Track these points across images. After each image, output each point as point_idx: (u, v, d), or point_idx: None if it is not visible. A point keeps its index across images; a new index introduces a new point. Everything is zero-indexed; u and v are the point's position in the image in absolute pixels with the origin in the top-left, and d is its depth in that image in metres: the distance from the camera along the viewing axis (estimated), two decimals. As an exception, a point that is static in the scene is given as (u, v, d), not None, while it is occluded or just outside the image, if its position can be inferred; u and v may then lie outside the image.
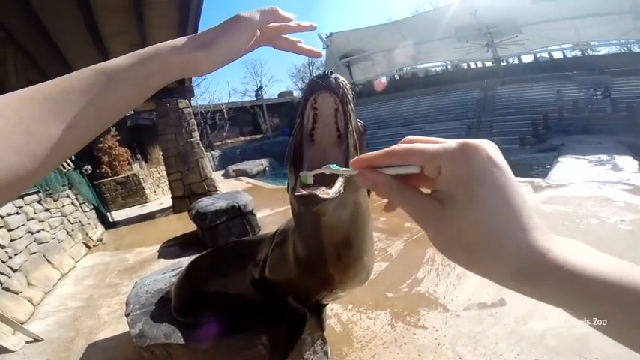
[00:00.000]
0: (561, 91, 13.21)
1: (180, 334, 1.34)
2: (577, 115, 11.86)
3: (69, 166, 5.91)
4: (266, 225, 4.33)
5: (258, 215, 4.43)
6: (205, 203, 4.27)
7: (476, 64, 22.84)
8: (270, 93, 33.42)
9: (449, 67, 24.74)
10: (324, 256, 0.86)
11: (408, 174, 0.29)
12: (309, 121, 0.67)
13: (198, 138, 7.45)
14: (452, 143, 0.27)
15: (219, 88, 29.59)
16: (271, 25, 0.48)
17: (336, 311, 2.21)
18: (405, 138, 0.32)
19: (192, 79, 8.25)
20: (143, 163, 11.24)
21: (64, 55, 4.94)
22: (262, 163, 15.33)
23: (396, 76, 26.00)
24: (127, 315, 1.59)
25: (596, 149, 7.27)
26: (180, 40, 0.40)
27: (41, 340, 2.51)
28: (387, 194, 0.30)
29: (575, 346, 1.59)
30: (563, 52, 20.87)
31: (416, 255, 2.83)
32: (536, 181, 4.34)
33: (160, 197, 9.86)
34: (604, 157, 6.42)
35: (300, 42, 0.54)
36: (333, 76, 0.64)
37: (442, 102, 17.38)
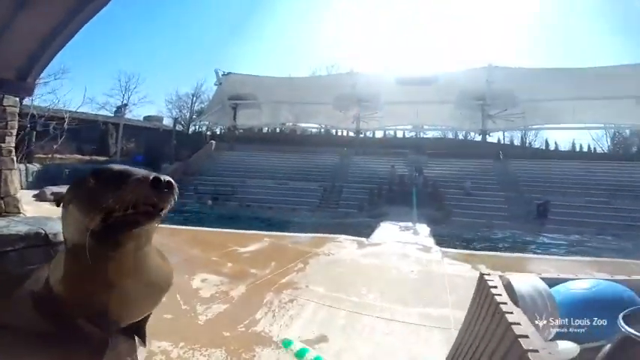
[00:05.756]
0: (395, 166, 17.07)
1: None
2: (401, 188, 15.43)
3: None
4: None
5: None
6: (-5, 226, 3.18)
7: (341, 132, 26.75)
8: (136, 113, 28.72)
9: (322, 130, 28.13)
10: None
11: None
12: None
13: (13, 144, 5.79)
14: None
15: (73, 92, 23.81)
16: None
17: (164, 348, 2.01)
18: None
19: (41, 75, 6.66)
20: None
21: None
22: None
23: (277, 130, 27.66)
24: None
25: (406, 217, 9.87)
26: None
27: None
28: None
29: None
30: (404, 132, 27.36)
31: (256, 298, 2.94)
32: (361, 239, 5.57)
33: None
34: (409, 224, 8.78)
35: None
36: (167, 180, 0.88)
37: (307, 163, 19.27)
